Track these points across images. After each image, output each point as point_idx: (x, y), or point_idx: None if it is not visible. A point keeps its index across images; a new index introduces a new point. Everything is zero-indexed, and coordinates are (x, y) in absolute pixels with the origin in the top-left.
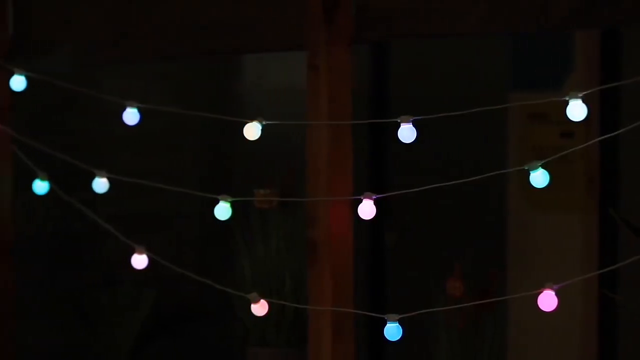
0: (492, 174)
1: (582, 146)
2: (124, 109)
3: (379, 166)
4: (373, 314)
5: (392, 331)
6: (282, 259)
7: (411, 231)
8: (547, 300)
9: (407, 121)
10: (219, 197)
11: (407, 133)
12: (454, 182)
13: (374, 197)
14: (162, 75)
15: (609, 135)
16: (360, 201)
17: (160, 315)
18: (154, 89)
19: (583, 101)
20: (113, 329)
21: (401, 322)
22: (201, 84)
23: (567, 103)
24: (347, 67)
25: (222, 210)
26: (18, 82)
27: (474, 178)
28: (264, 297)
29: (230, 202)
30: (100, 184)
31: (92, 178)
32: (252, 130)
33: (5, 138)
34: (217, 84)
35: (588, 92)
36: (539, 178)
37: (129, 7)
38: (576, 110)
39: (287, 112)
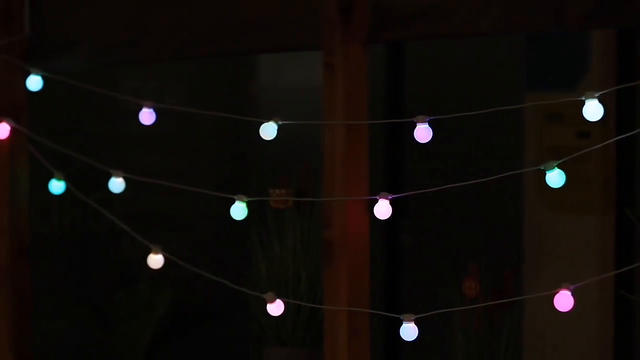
0: (508, 174)
1: (598, 146)
2: (140, 109)
3: (395, 166)
4: (389, 314)
5: (408, 331)
6: (297, 259)
7: (427, 231)
8: (564, 301)
9: (422, 121)
10: (235, 196)
11: (422, 133)
12: (470, 182)
13: (390, 197)
14: (178, 75)
15: (625, 135)
16: (376, 201)
17: (177, 315)
18: (170, 90)
19: (599, 101)
20: (129, 329)
21: (417, 322)
22: (218, 84)
23: (583, 103)
24: (363, 66)
25: (238, 210)
26: (34, 82)
27: (490, 178)
28: (279, 297)
29: (246, 201)
30: (117, 184)
31: (108, 178)
32: (268, 130)
33: (21, 138)
34: (234, 84)
35: (604, 92)
36: (555, 178)
37: (142, 8)
38: (592, 110)
39: (303, 111)
